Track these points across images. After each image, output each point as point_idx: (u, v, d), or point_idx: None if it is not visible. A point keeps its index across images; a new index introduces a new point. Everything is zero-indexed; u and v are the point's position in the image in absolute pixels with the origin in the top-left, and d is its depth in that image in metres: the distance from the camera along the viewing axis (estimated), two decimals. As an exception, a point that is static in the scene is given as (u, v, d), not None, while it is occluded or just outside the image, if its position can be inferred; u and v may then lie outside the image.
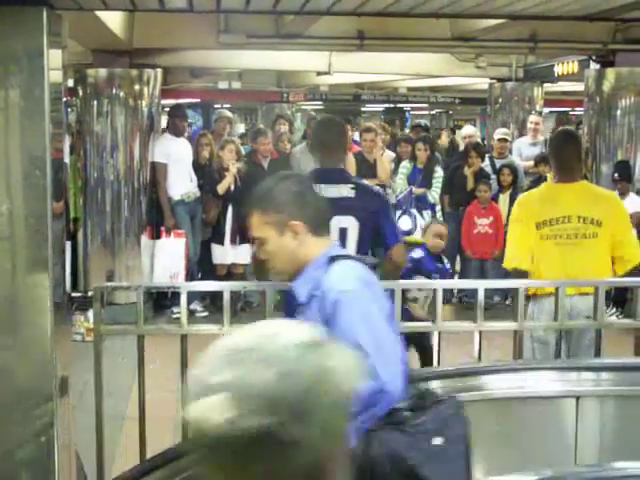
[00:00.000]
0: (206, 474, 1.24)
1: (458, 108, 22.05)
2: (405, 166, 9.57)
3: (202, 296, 8.71)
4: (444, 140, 13.88)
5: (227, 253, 8.82)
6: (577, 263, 4.81)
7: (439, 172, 9.49)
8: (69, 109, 9.47)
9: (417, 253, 6.27)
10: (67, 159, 3.81)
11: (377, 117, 22.51)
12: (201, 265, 9.20)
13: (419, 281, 5.46)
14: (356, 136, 11.10)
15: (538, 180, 9.38)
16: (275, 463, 1.19)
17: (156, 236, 8.85)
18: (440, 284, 4.67)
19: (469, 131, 11.22)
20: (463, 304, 9.04)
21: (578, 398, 3.83)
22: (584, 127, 9.57)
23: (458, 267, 9.76)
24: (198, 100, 19.28)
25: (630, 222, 5.15)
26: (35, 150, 3.36)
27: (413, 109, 24.37)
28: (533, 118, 11.30)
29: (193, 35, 8.77)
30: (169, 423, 4.80)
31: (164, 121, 10.01)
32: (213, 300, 8.29)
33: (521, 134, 11.86)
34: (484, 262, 9.26)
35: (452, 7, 4.59)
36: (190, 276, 8.84)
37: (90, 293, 5.61)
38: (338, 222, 4.24)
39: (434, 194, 9.32)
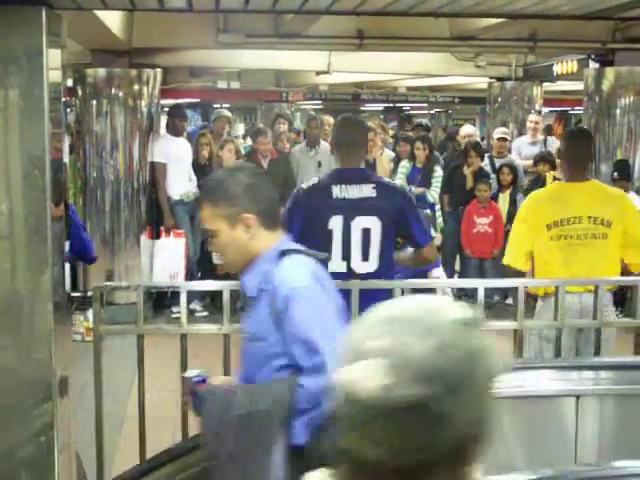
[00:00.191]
0: (351, 441, 1.22)
1: (457, 107, 22.03)
2: (404, 165, 9.57)
3: (202, 296, 8.72)
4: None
5: (227, 253, 8.81)
6: (586, 263, 4.80)
7: (438, 171, 9.49)
8: (68, 109, 9.47)
9: None
10: (66, 159, 3.80)
11: (376, 117, 22.51)
12: (201, 265, 9.20)
13: (420, 280, 5.44)
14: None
15: (537, 179, 9.39)
16: (423, 435, 1.17)
17: (156, 236, 8.85)
18: (440, 284, 4.67)
19: (468, 130, 11.21)
20: (463, 303, 9.03)
21: (578, 397, 3.83)
22: (583, 126, 9.57)
23: (458, 266, 9.77)
24: (197, 100, 19.28)
25: None
26: (34, 150, 3.36)
27: (412, 108, 24.37)
28: (532, 117, 11.30)
29: (192, 35, 8.76)
30: (169, 423, 4.80)
31: (164, 121, 10.01)
32: (213, 299, 8.29)
33: (520, 133, 11.87)
34: (483, 261, 9.27)
35: (451, 6, 4.58)
36: (190, 276, 8.84)
37: (90, 293, 5.61)
38: (360, 223, 4.23)
39: (433, 193, 9.32)
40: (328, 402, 2.56)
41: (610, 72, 8.85)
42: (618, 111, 8.83)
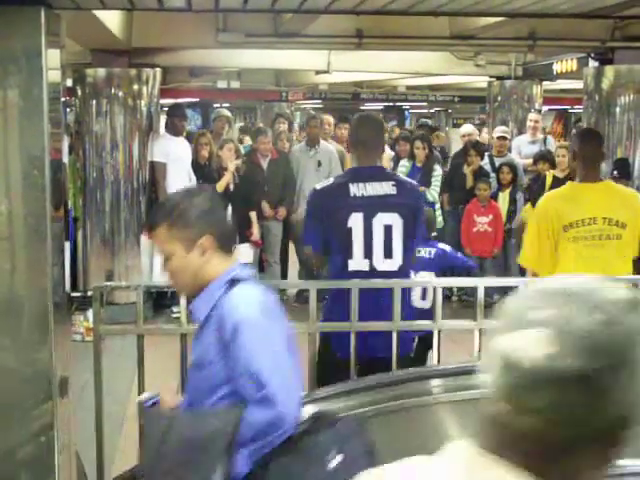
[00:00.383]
0: (505, 409, 1.22)
1: (457, 106, 22.04)
2: (404, 165, 9.57)
3: (202, 295, 8.71)
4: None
5: (227, 252, 8.80)
6: (600, 264, 4.79)
7: (438, 170, 9.50)
8: (68, 109, 9.46)
9: (445, 246, 6.25)
10: (66, 159, 3.80)
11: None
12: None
13: (419, 280, 5.45)
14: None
15: (537, 178, 9.39)
16: (582, 408, 1.18)
17: (156, 236, 8.83)
18: (439, 282, 4.67)
19: (468, 129, 11.21)
20: (463, 302, 9.04)
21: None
22: (583, 125, 9.56)
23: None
24: (197, 99, 19.27)
25: None
26: (34, 150, 3.36)
27: (412, 107, 24.38)
28: (532, 116, 11.29)
29: (192, 34, 8.76)
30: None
31: (163, 120, 10.01)
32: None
33: (520, 132, 11.86)
34: (483, 260, 9.27)
35: (451, 5, 4.58)
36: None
37: (90, 293, 5.61)
38: (381, 219, 4.22)
39: (433, 193, 9.32)
40: (275, 434, 2.55)
41: (610, 70, 8.85)
42: (618, 109, 8.83)
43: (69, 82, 8.50)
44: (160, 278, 8.64)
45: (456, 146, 12.77)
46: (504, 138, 10.14)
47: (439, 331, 4.36)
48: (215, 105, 19.63)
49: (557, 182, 8.27)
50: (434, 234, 6.57)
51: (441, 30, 8.44)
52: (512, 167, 9.56)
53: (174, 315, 7.73)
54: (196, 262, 2.77)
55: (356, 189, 4.24)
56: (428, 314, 4.53)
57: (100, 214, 8.90)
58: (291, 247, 9.88)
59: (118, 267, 8.91)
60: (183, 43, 9.38)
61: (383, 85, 18.37)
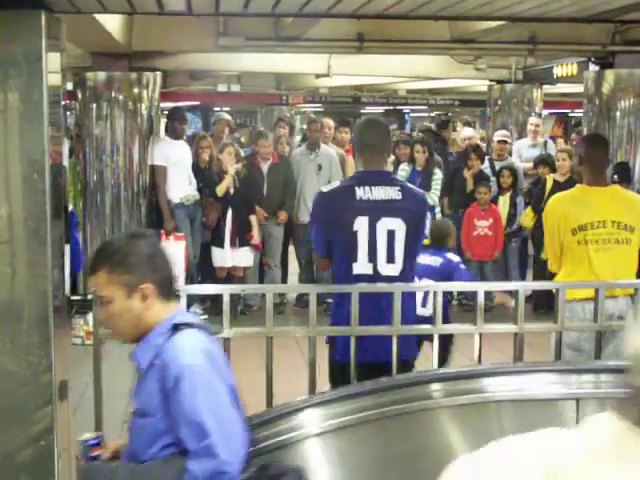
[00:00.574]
0: None
1: (457, 110, 22.05)
2: (404, 169, 9.56)
3: (202, 299, 8.72)
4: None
5: (227, 256, 8.81)
6: (609, 268, 4.80)
7: (438, 174, 9.49)
8: (68, 112, 9.47)
9: (454, 257, 6.14)
10: (66, 162, 3.80)
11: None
12: (201, 268, 9.20)
13: (418, 284, 5.43)
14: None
15: (537, 182, 9.39)
16: None
17: (156, 239, 8.83)
18: (439, 286, 4.66)
19: (468, 133, 11.21)
20: (463, 306, 9.04)
21: (578, 400, 3.83)
22: (584, 129, 9.57)
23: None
24: (197, 103, 19.28)
25: None
26: (34, 154, 3.36)
27: (412, 111, 24.39)
28: (533, 120, 11.30)
29: (192, 38, 8.77)
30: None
31: (163, 124, 10.02)
32: (213, 303, 8.29)
33: (520, 136, 11.86)
34: (484, 264, 9.27)
35: (451, 10, 4.58)
36: (190, 279, 8.83)
37: (90, 296, 5.60)
38: (385, 224, 4.22)
39: (433, 196, 9.31)
40: None
41: (610, 74, 8.86)
42: (618, 113, 8.84)
43: (69, 85, 8.51)
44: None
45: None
46: (504, 142, 10.14)
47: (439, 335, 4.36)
48: (215, 108, 19.63)
49: (557, 186, 8.28)
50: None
51: (441, 34, 8.45)
52: (512, 171, 9.56)
53: (174, 319, 7.73)
54: (137, 308, 2.73)
55: (362, 192, 4.24)
56: (428, 322, 4.52)
57: (100, 217, 8.90)
58: (291, 250, 9.87)
59: (118, 270, 8.90)
60: (183, 47, 9.38)
61: (383, 89, 18.39)
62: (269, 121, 16.86)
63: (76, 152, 9.13)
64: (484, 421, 3.64)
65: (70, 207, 8.53)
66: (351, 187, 4.30)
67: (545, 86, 13.10)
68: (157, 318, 2.74)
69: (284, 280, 9.54)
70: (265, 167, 9.30)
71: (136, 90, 8.88)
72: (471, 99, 18.22)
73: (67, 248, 3.75)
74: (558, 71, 11.67)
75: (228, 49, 9.00)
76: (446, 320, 4.99)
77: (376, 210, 4.22)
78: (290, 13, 5.94)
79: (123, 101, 8.81)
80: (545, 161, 9.56)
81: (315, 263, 4.79)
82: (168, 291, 2.80)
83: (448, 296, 5.90)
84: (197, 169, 9.09)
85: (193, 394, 2.59)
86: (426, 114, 24.99)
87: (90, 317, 6.59)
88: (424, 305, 5.37)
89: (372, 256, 4.23)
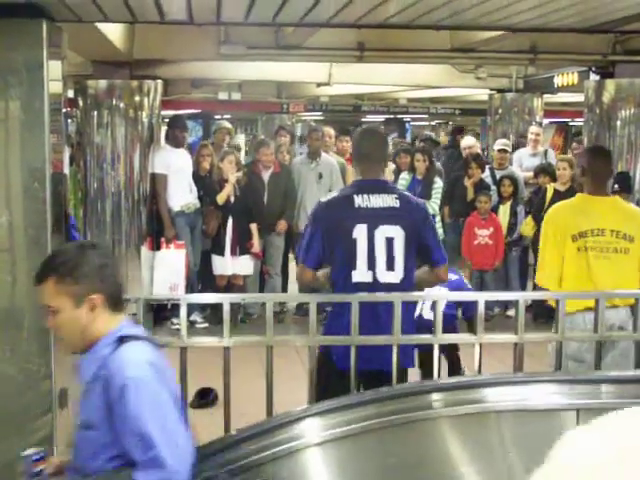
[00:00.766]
0: None
1: (458, 119, 22.07)
2: (404, 177, 9.57)
3: (202, 307, 8.71)
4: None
5: (227, 264, 8.80)
6: (608, 277, 4.80)
7: (438, 183, 9.49)
8: (69, 120, 9.49)
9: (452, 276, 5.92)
10: (67, 170, 3.81)
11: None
12: (201, 276, 9.19)
13: (420, 293, 5.42)
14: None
15: (538, 191, 9.39)
16: None
17: (156, 247, 8.84)
18: (438, 295, 4.66)
19: (469, 142, 11.22)
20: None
21: (578, 411, 3.82)
22: (584, 138, 9.58)
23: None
24: (198, 111, 19.30)
25: None
26: (35, 162, 3.37)
27: (413, 120, 24.41)
28: (533, 129, 11.31)
29: (193, 46, 8.78)
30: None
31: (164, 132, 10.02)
32: (214, 311, 8.28)
33: (519, 145, 11.86)
34: (484, 273, 9.27)
35: (452, 19, 4.60)
36: (190, 287, 8.82)
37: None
38: (384, 232, 4.23)
39: (434, 205, 9.31)
40: None
41: (610, 84, 8.87)
42: (618, 123, 8.84)
43: (70, 93, 8.51)
44: (160, 290, 8.64)
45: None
46: (505, 151, 10.15)
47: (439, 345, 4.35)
48: (216, 116, 19.65)
49: (558, 195, 8.29)
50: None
51: (442, 43, 8.46)
52: (513, 180, 9.57)
53: (174, 326, 7.73)
54: (84, 319, 2.71)
55: (361, 200, 4.27)
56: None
57: (101, 225, 8.89)
58: (292, 259, 9.87)
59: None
60: (184, 55, 9.39)
61: (384, 97, 18.40)
62: (270, 129, 16.87)
63: (77, 160, 9.13)
64: (484, 431, 3.63)
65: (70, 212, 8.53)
66: (350, 196, 4.32)
67: (546, 95, 13.12)
68: (104, 329, 2.73)
69: (284, 289, 9.52)
70: (266, 176, 9.30)
71: (137, 98, 8.89)
72: (472, 108, 18.23)
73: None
74: (559, 80, 11.68)
75: (229, 57, 9.01)
76: (453, 330, 4.98)
77: (374, 218, 4.23)
78: (291, 23, 5.96)
79: (124, 109, 8.82)
80: (545, 170, 9.56)
81: (297, 273, 4.73)
82: (116, 303, 2.79)
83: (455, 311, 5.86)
84: (198, 177, 9.09)
85: (139, 405, 2.58)
86: (427, 123, 25.02)
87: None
88: (432, 309, 5.36)
89: (371, 264, 4.23)
